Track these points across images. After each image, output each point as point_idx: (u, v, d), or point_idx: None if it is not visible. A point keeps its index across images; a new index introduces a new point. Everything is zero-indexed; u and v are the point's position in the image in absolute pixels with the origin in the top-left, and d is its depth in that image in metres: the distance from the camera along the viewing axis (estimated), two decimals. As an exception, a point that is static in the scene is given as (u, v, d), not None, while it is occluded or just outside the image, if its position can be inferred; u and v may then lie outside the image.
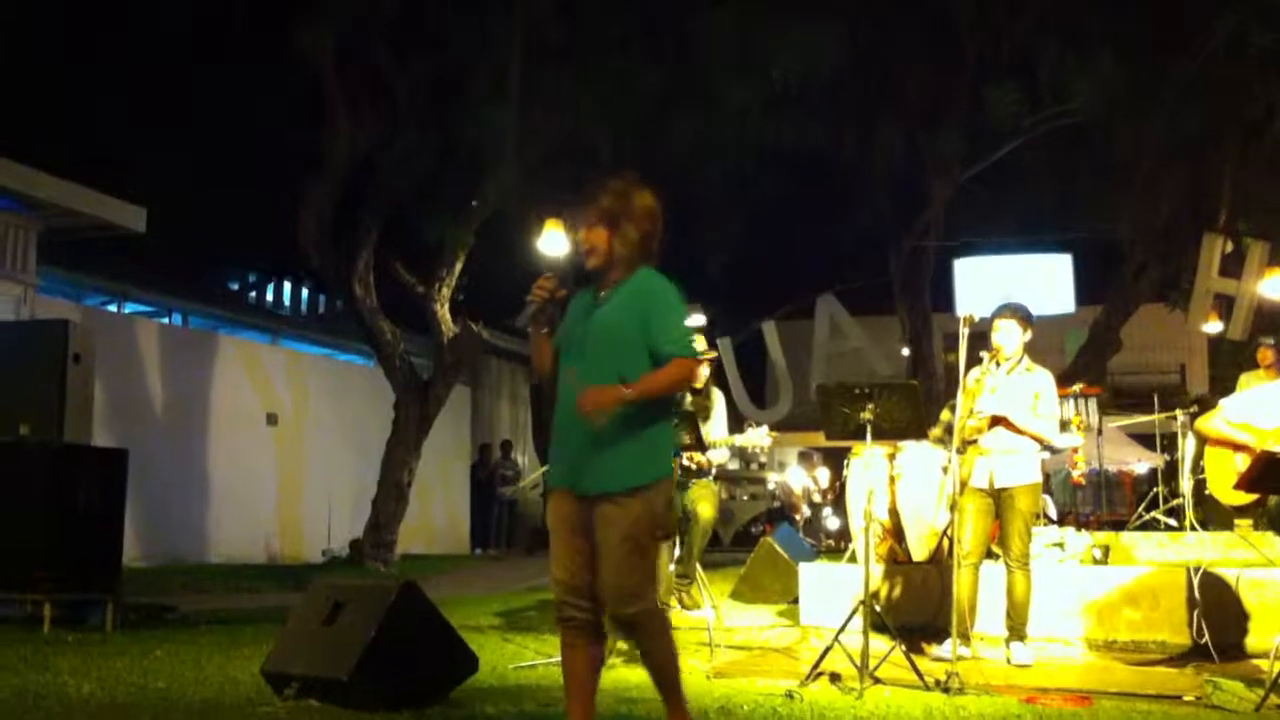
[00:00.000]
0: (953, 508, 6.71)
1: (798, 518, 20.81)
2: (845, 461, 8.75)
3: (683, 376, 4.00)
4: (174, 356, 14.92)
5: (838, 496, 17.27)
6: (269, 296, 24.40)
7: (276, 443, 15.81)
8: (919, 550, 8.19)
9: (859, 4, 14.74)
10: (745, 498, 23.00)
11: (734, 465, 23.26)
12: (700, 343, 7.71)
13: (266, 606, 9.29)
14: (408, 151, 14.48)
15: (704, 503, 7.54)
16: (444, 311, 14.77)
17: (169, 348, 14.99)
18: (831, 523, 19.96)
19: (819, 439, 12.99)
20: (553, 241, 12.89)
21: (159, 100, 17.61)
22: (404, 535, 14.56)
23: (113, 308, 17.03)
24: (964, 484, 6.73)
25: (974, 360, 6.79)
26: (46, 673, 5.88)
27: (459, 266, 14.79)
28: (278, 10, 13.70)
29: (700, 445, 7.21)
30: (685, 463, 7.47)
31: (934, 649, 6.78)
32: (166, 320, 17.78)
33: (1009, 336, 6.84)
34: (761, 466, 24.17)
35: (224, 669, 6.20)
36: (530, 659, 6.77)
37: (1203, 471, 8.00)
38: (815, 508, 21.67)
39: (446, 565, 15.27)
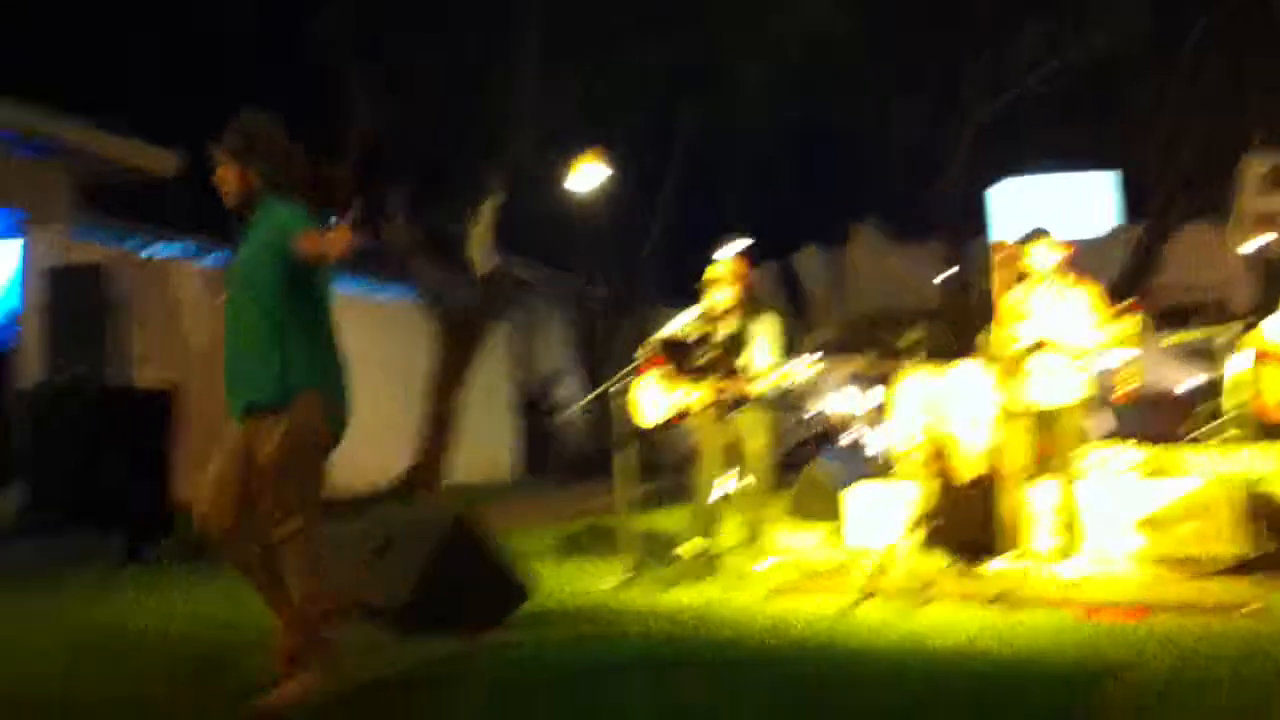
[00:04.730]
0: (999, 426, 6.68)
1: (842, 441, 20.77)
2: (890, 384, 8.70)
3: (313, 242, 3.94)
4: (213, 298, 14.97)
5: (883, 419, 17.24)
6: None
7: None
8: (967, 469, 8.14)
9: None
10: (789, 422, 22.98)
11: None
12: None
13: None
14: (432, 105, 14.35)
15: (753, 435, 7.38)
16: (483, 249, 14.77)
17: (208, 290, 15.04)
18: (877, 445, 19.88)
19: (862, 363, 12.90)
20: (585, 177, 12.86)
21: (186, 44, 17.50)
22: (449, 466, 14.66)
23: (149, 252, 17.07)
24: (1010, 402, 6.69)
25: (1012, 283, 6.75)
26: (106, 607, 5.96)
27: (493, 203, 14.75)
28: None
29: (731, 372, 7.11)
30: (722, 393, 7.33)
31: (985, 566, 6.76)
32: (204, 263, 17.83)
33: (1044, 257, 6.78)
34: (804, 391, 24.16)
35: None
36: (583, 584, 6.79)
37: (1251, 388, 7.91)
38: (860, 430, 21.61)
39: (492, 494, 15.35)
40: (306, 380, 4.09)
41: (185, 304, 14.43)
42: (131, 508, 8.13)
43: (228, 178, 4.23)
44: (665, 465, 8.02)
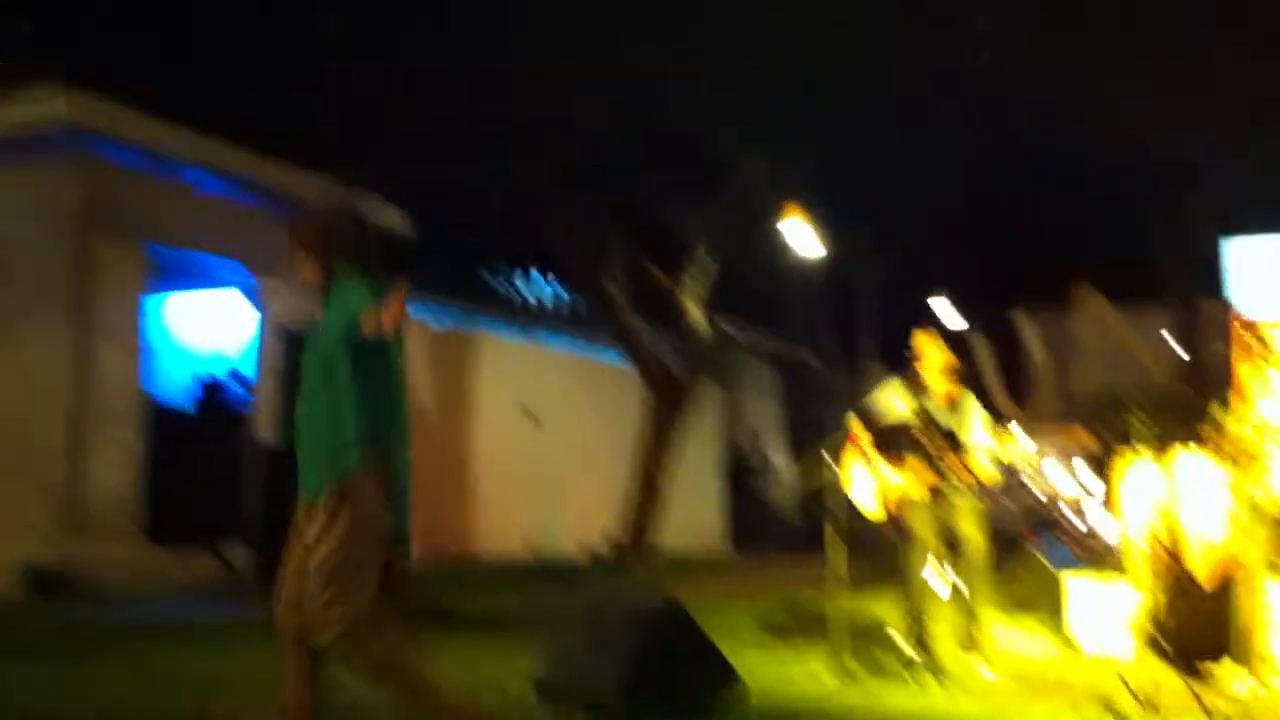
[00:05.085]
0: (1238, 523, 6.33)
1: (1062, 524, 20.02)
2: (1115, 468, 8.33)
3: (373, 320, 3.87)
4: (435, 355, 15.43)
5: (1106, 505, 16.57)
6: (524, 294, 25.05)
7: (535, 441, 16.15)
8: (1200, 569, 7.70)
9: None
10: (1004, 502, 22.26)
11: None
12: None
13: (534, 609, 9.48)
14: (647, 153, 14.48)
15: (969, 524, 7.19)
16: (695, 309, 14.85)
17: (430, 347, 15.51)
18: (1100, 532, 19.07)
19: (1084, 437, 12.43)
20: (795, 228, 12.83)
21: (422, 110, 18.09)
22: (660, 532, 14.69)
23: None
24: (1246, 498, 6.33)
25: (1252, 361, 6.39)
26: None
27: (708, 264, 14.83)
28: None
29: (955, 445, 6.96)
30: (949, 475, 7.16)
31: (1220, 680, 6.38)
32: (428, 319, 18.45)
33: (1285, 339, 6.41)
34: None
35: (496, 674, 6.31)
36: (788, 671, 6.69)
37: None
38: (1081, 515, 20.80)
39: (702, 565, 15.30)
40: (364, 464, 4.02)
41: (414, 364, 14.88)
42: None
43: (307, 272, 4.22)
44: (877, 544, 7.85)
